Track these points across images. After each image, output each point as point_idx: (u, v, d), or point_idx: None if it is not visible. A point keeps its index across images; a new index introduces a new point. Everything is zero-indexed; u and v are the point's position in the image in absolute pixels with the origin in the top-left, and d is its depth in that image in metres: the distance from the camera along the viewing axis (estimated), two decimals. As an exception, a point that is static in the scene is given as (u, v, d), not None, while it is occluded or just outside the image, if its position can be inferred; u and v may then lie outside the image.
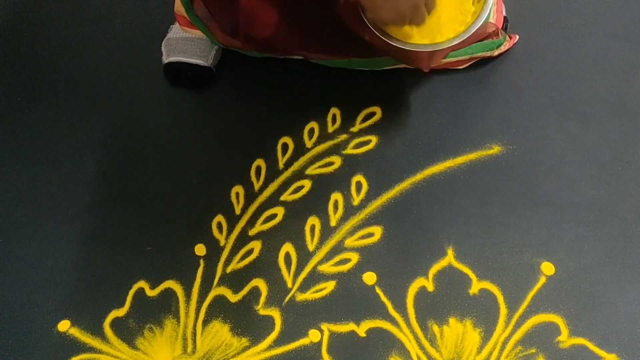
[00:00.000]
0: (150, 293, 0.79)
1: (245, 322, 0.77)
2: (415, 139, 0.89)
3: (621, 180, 0.85)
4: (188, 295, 0.79)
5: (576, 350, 0.73)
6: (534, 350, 0.74)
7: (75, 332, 0.77)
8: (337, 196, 0.85)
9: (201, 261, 0.81)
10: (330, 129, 0.91)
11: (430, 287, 0.78)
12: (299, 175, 0.87)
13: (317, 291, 0.79)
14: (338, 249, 0.81)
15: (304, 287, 0.79)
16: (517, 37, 0.95)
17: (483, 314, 0.76)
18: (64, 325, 0.78)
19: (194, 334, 0.77)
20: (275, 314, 0.78)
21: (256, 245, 0.82)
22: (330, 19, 0.83)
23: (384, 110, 0.92)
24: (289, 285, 0.79)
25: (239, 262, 0.81)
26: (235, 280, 0.80)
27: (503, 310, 0.76)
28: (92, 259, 0.82)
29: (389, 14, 0.73)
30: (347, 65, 0.93)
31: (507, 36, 0.94)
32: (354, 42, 0.85)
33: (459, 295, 0.77)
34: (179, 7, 0.92)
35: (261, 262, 0.81)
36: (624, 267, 0.78)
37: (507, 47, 0.94)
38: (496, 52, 0.93)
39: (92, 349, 0.76)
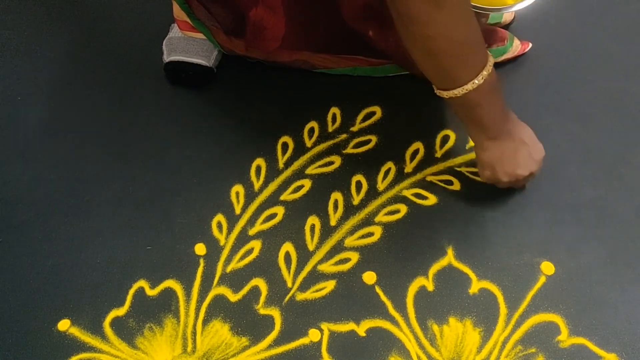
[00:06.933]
0: (150, 292, 0.79)
1: (245, 321, 0.77)
2: (415, 138, 0.88)
3: (621, 180, 0.85)
4: (188, 294, 0.79)
5: (576, 350, 0.73)
6: (533, 350, 0.73)
7: (75, 331, 0.77)
8: (337, 196, 0.85)
9: (201, 260, 0.81)
10: (331, 129, 0.91)
11: (430, 287, 0.78)
12: (299, 174, 0.87)
13: (317, 290, 0.79)
14: (338, 248, 0.81)
15: (303, 287, 0.79)
16: (530, 45, 0.94)
17: (483, 314, 0.76)
18: (64, 325, 0.78)
19: (194, 333, 0.77)
20: (275, 313, 0.77)
21: (256, 245, 0.82)
22: (335, 24, 0.82)
23: (384, 110, 0.92)
24: (289, 284, 0.79)
25: (239, 261, 0.81)
26: (235, 279, 0.80)
27: (503, 309, 0.76)
28: (92, 258, 0.82)
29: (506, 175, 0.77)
30: (350, 72, 0.93)
31: (518, 41, 0.93)
32: (359, 47, 0.85)
33: (458, 295, 0.77)
34: (178, 12, 0.92)
35: (261, 261, 0.81)
36: (624, 267, 0.78)
37: (514, 54, 0.93)
38: (500, 59, 0.92)
39: (92, 348, 0.76)
